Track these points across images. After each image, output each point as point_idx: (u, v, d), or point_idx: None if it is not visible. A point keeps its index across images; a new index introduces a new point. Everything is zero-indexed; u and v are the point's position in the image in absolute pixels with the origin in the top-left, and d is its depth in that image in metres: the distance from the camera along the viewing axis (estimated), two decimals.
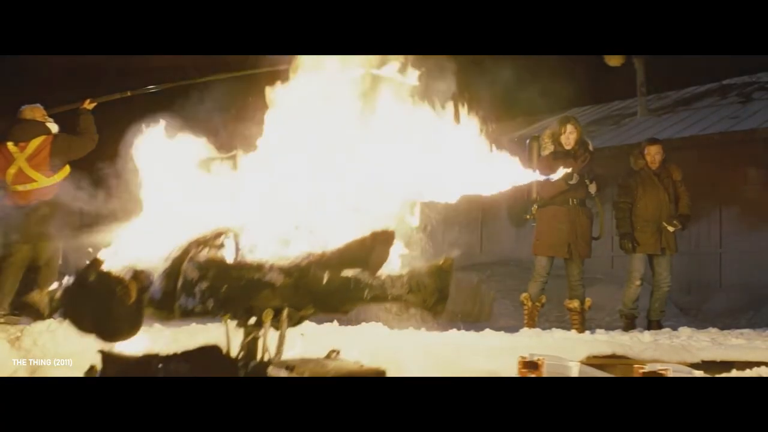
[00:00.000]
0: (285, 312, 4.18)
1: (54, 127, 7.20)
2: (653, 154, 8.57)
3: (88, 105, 7.18)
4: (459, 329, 6.71)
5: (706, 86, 17.29)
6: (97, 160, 6.46)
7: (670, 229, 8.45)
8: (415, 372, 5.08)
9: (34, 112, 7.20)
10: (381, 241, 4.18)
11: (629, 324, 8.46)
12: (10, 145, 7.04)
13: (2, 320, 6.63)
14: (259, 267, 4.14)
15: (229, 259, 4.15)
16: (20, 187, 7.00)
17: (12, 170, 7.01)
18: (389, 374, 4.21)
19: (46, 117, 7.22)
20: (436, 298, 4.38)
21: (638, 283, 8.52)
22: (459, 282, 12.50)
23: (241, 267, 4.14)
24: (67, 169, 7.11)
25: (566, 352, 5.86)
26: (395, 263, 4.35)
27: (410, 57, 4.45)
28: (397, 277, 4.34)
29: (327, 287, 4.19)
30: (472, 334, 6.65)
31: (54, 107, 7.31)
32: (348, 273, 4.20)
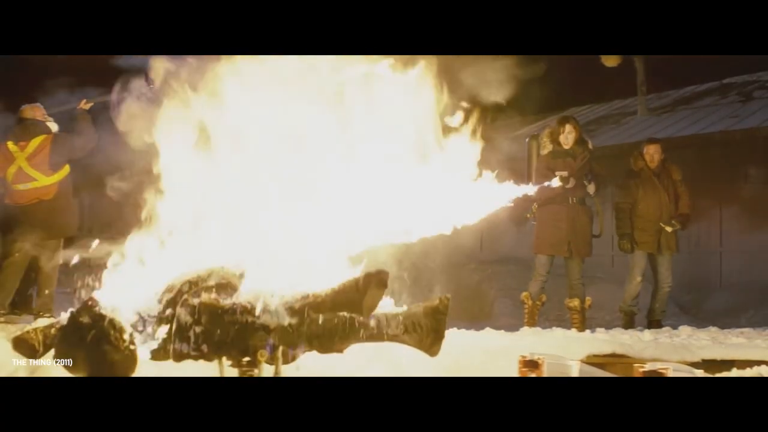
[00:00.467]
0: (280, 350, 4.20)
1: (54, 127, 7.19)
2: (651, 153, 8.57)
3: (84, 105, 7.17)
4: (459, 328, 6.71)
5: (706, 85, 17.28)
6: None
7: (668, 229, 8.46)
8: (415, 372, 5.07)
9: (34, 111, 7.19)
10: (374, 283, 4.20)
11: (629, 321, 8.47)
12: (10, 144, 7.04)
13: (2, 320, 6.63)
14: (252, 310, 4.14)
15: (223, 301, 4.16)
16: (21, 186, 7.00)
17: (12, 169, 7.00)
18: (389, 374, 4.21)
19: (46, 116, 7.21)
20: (431, 339, 4.43)
21: (639, 279, 8.53)
22: (459, 281, 12.49)
23: (234, 311, 4.14)
24: (67, 168, 7.11)
25: (566, 351, 5.85)
26: (390, 301, 4.39)
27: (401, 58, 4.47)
28: (392, 317, 4.37)
29: (322, 328, 4.23)
30: (472, 333, 6.65)
31: (53, 107, 7.30)
32: (342, 314, 4.24)
